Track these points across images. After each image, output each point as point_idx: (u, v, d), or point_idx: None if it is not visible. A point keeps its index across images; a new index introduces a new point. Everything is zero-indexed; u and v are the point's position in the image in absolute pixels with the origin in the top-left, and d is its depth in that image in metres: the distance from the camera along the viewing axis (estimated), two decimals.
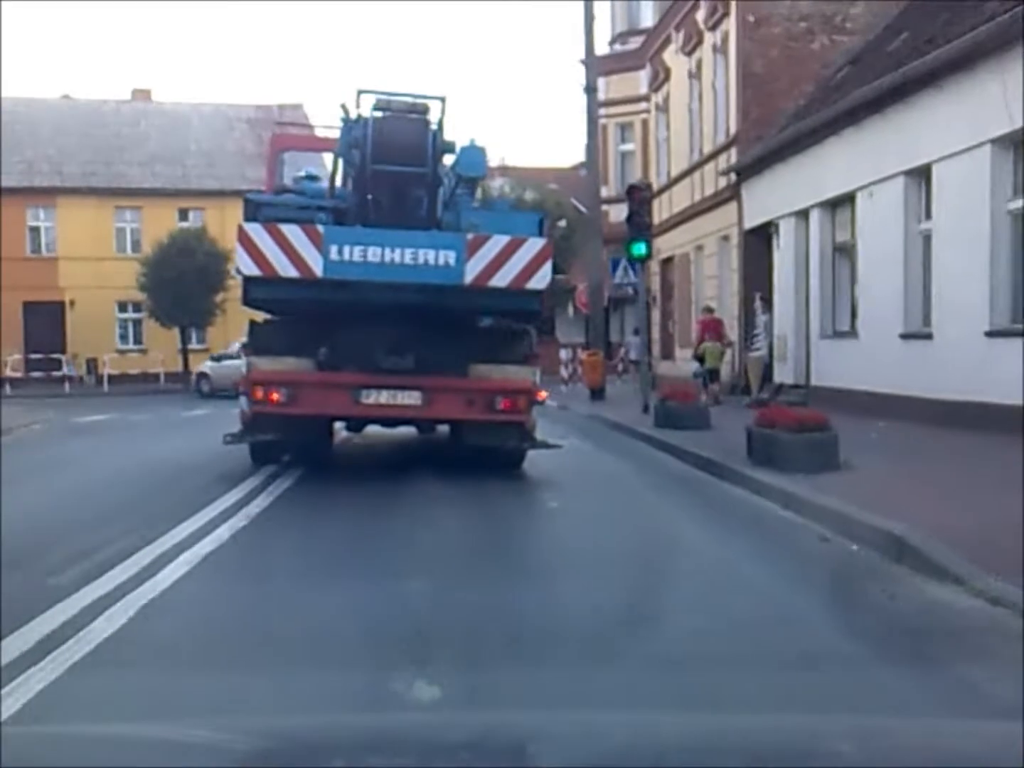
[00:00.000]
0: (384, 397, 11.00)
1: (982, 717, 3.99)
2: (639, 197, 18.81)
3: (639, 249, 18.83)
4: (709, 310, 24.74)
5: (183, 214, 43.24)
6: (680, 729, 2.24)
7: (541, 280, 10.77)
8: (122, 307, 43.70)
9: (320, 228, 10.62)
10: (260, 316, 12.57)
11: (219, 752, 2.00)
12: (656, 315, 32.32)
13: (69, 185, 42.57)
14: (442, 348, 10.99)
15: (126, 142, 44.91)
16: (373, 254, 10.49)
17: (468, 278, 10.58)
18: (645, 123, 32.83)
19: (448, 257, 10.53)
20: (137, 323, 43.61)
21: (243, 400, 11.50)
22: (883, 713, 4.06)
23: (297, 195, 11.64)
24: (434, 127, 11.07)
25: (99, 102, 46.53)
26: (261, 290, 11.11)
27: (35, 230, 43.47)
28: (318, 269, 10.51)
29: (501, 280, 10.63)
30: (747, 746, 2.01)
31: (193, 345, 41.63)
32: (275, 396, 10.87)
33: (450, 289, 10.64)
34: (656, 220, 32.43)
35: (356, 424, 13.36)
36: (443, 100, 11.15)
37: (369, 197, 11.30)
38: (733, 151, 24.47)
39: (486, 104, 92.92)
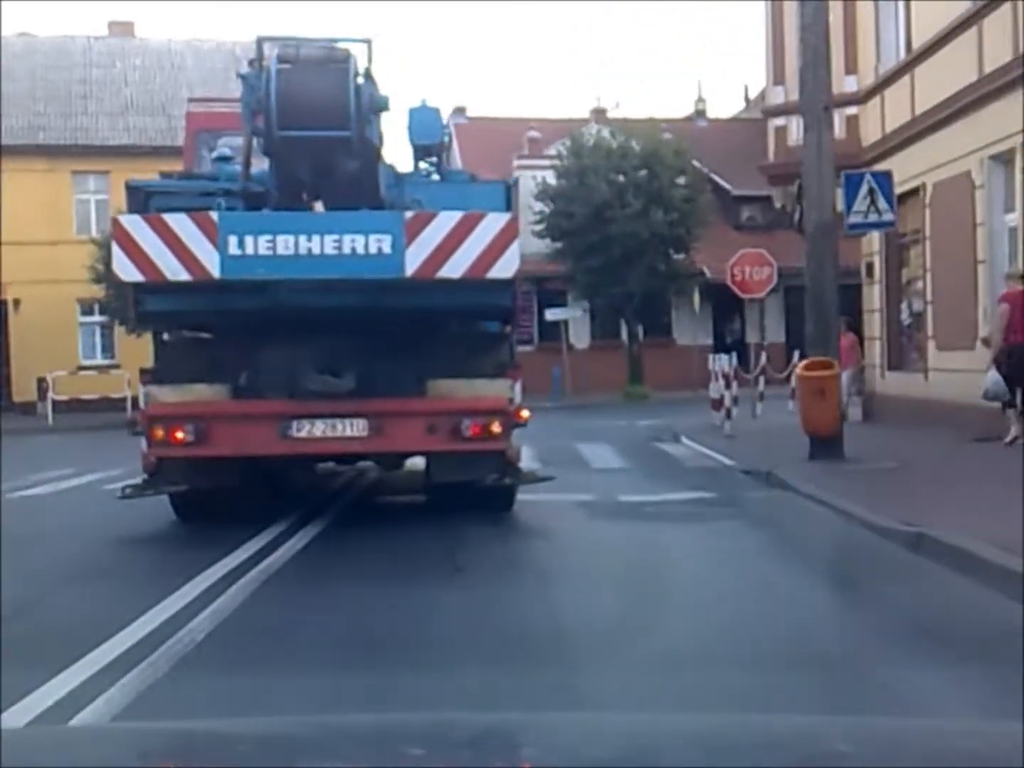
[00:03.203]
0: (319, 429, 9.29)
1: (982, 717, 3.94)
2: None
3: None
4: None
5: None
6: (680, 729, 2.20)
7: (506, 267, 8.95)
8: (86, 308, 33.29)
9: (213, 215, 8.89)
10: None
11: (219, 752, 2.00)
12: (875, 295, 18.53)
13: (9, 142, 30.76)
14: (391, 362, 9.43)
15: (95, 87, 35.05)
16: (284, 245, 8.75)
17: (409, 269, 8.81)
18: None
19: (381, 243, 8.79)
20: (107, 329, 33.16)
21: (144, 442, 9.52)
22: (884, 713, 4.08)
23: (208, 180, 9.96)
24: (359, 79, 9.13)
25: (64, 39, 36.08)
26: (153, 301, 9.55)
27: None
28: (214, 268, 8.83)
29: (453, 269, 8.85)
30: (747, 746, 1.98)
31: None
32: (179, 434, 9.23)
33: (390, 285, 9.00)
34: (880, 131, 18.35)
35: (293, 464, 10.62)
36: (368, 43, 9.40)
37: (279, 174, 9.60)
38: None
39: (575, 44, 79.40)
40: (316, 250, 8.74)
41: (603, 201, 31.02)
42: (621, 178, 31.60)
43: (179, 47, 36.45)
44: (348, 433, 9.32)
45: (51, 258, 31.61)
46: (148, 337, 24.30)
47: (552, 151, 33.91)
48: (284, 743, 2.06)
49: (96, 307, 32.17)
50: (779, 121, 19.80)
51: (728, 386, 17.92)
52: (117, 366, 31.73)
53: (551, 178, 32.71)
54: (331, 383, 9.25)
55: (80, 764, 1.88)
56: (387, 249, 8.76)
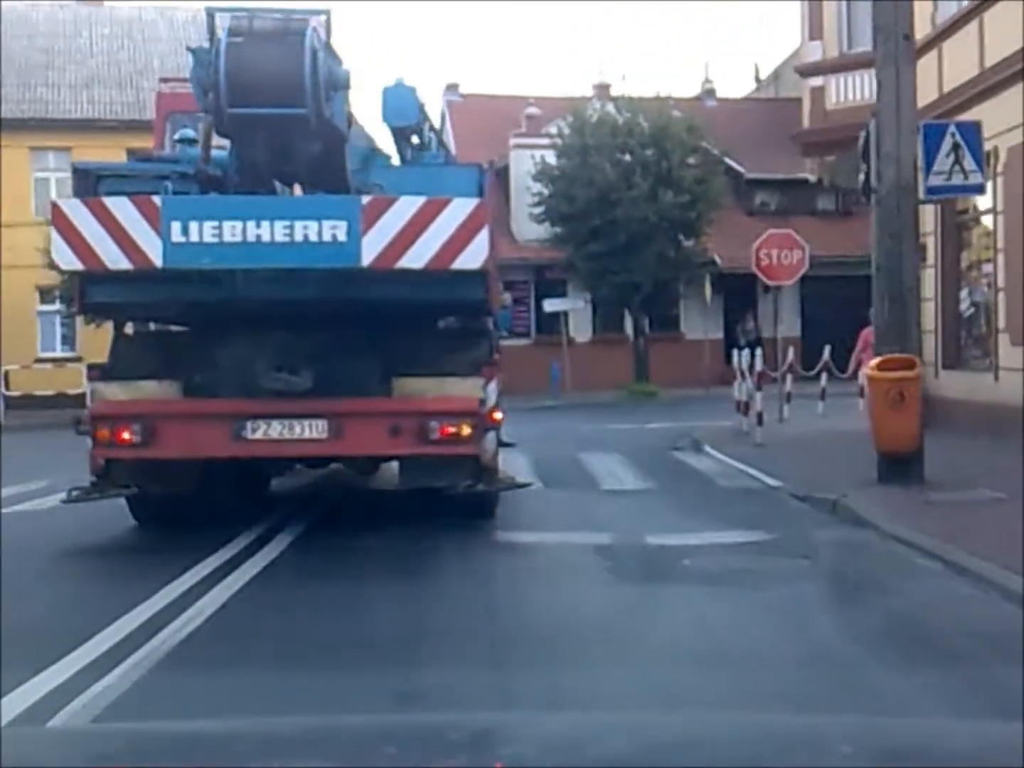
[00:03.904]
0: (276, 430, 8.77)
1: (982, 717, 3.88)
2: None
3: None
4: None
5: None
6: (680, 729, 2.18)
7: (473, 257, 8.37)
8: (46, 296, 30.32)
9: (156, 199, 8.47)
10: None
11: (219, 752, 2.00)
12: (928, 281, 15.85)
13: None
14: (354, 359, 8.93)
15: (57, 58, 32.72)
16: (231, 231, 8.29)
17: (366, 258, 8.29)
18: None
19: (336, 230, 8.29)
20: (68, 319, 30.18)
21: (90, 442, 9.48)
22: (884, 713, 4.02)
23: (168, 163, 9.41)
24: (318, 53, 8.38)
25: (27, 6, 33.45)
26: (98, 291, 9.11)
27: None
28: (156, 256, 8.35)
29: (415, 259, 8.32)
30: (747, 746, 1.97)
31: None
32: (125, 435, 8.81)
33: (348, 276, 8.45)
34: (937, 91, 15.57)
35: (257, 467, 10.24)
36: (327, 14, 8.82)
37: (238, 157, 9.16)
38: None
39: (576, 28, 76.40)
40: (266, 237, 8.24)
41: (607, 182, 28.40)
42: (627, 157, 28.98)
43: (150, 16, 33.97)
44: (306, 435, 8.79)
45: (7, 241, 29.01)
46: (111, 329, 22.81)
47: (552, 129, 31.20)
48: (284, 743, 2.06)
49: (58, 295, 29.32)
50: (816, 81, 17.20)
51: (759, 387, 15.23)
52: (79, 359, 28.96)
53: (551, 158, 30.05)
54: (288, 381, 8.74)
55: (79, 764, 1.90)
56: (342, 237, 8.26)
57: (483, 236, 8.35)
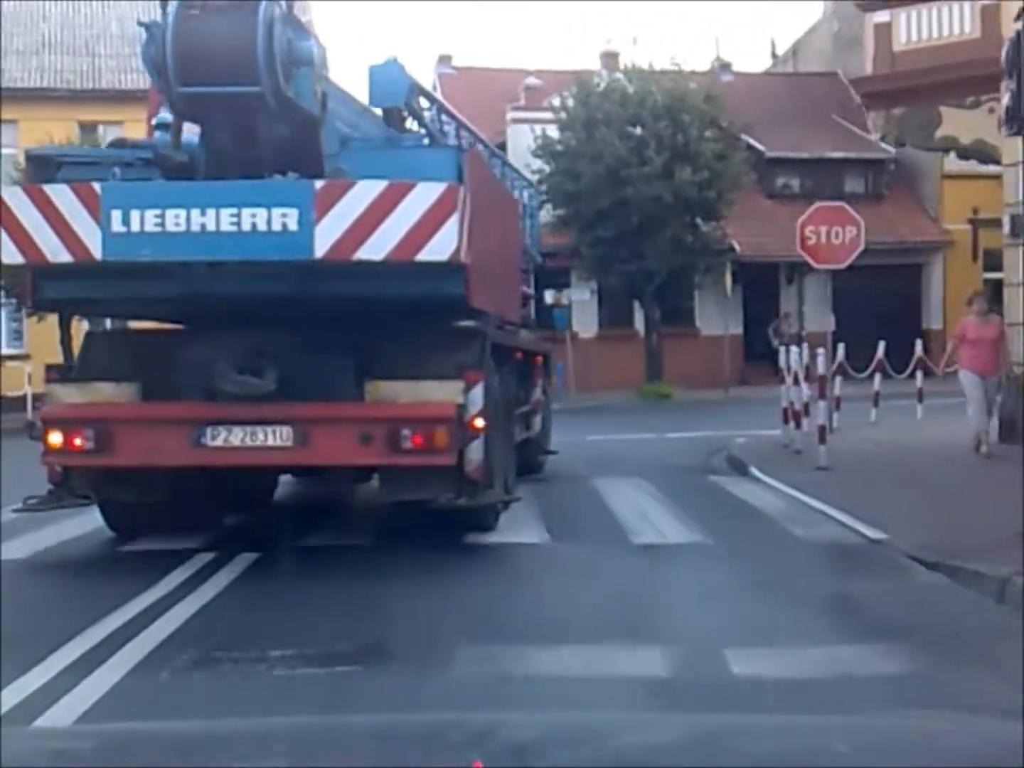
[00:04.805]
0: (237, 437, 8.49)
1: (982, 717, 3.59)
2: None
3: None
4: None
5: (89, 130, 27.28)
6: (680, 729, 2.16)
7: (440, 248, 7.89)
8: None
9: (96, 186, 8.19)
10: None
11: (219, 752, 2.01)
12: (1022, 261, 12.73)
13: None
14: (324, 360, 8.63)
15: (5, 22, 30.91)
16: (174, 221, 7.94)
17: (320, 249, 7.89)
18: None
19: (286, 218, 7.88)
20: (19, 312, 27.48)
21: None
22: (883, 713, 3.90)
23: (139, 148, 9.21)
24: (276, 24, 8.01)
25: None
26: (51, 286, 9.03)
27: None
28: (96, 248, 8.08)
29: (375, 250, 7.89)
30: (747, 746, 1.96)
31: None
32: (77, 441, 8.66)
33: (303, 268, 8.12)
34: None
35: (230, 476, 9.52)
36: None
37: (204, 141, 8.87)
38: None
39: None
40: (211, 227, 7.88)
41: (617, 157, 25.59)
42: (639, 130, 26.03)
43: None
44: (270, 442, 8.48)
45: None
46: (54, 320, 21.40)
47: (555, 101, 28.12)
48: (284, 743, 2.05)
49: (1, 285, 26.42)
50: (881, 16, 14.10)
51: (822, 394, 12.08)
52: (26, 356, 26.35)
53: (553, 131, 27.05)
54: (250, 384, 8.48)
55: (78, 764, 1.90)
56: (293, 225, 7.83)
57: (452, 224, 7.76)
